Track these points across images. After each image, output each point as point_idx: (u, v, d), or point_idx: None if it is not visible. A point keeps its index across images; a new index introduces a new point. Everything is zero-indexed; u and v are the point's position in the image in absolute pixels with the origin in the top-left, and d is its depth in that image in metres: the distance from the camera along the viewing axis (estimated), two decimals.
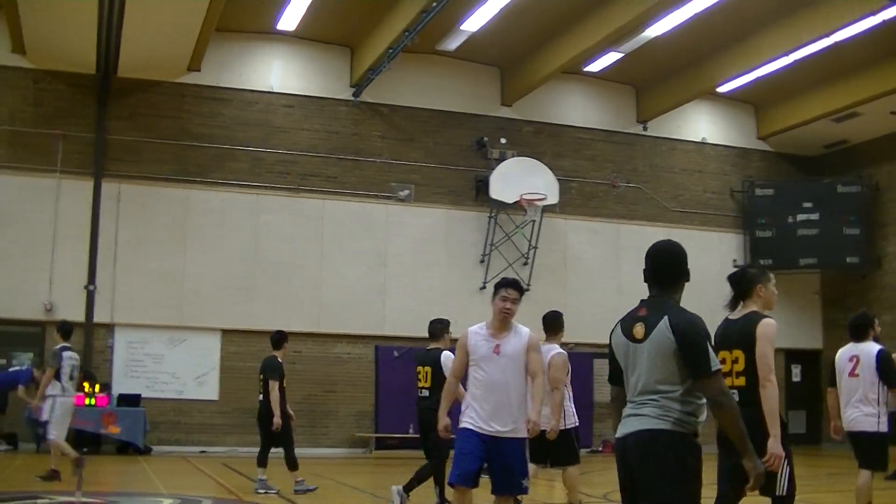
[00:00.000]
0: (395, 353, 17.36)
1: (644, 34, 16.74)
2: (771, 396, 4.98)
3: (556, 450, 8.29)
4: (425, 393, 8.89)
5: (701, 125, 20.88)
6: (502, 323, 5.97)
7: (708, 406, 3.82)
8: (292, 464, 10.47)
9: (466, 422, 5.87)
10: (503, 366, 5.92)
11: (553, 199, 18.15)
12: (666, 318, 3.79)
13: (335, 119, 17.77)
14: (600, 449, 18.47)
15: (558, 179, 18.36)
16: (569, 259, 19.28)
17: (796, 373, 21.18)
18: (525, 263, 18.59)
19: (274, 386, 10.45)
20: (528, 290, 17.83)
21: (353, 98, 17.84)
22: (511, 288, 6.07)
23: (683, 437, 3.78)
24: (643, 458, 3.80)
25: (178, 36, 15.52)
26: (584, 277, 19.22)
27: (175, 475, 12.97)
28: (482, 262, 18.38)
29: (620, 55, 17.97)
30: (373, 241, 17.74)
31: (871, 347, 7.59)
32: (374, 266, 17.66)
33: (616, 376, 4.11)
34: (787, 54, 16.96)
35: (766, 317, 5.27)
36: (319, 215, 17.36)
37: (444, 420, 6.06)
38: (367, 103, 17.96)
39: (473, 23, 16.41)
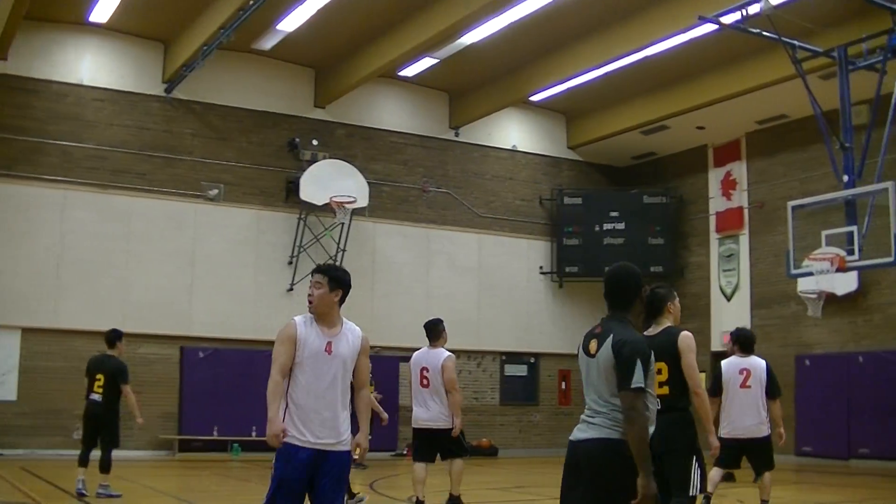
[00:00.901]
0: (201, 354, 23.33)
1: (460, 41, 22.79)
2: (704, 401, 7.78)
3: (449, 445, 12.19)
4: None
5: (512, 133, 28.21)
6: (319, 316, 6.83)
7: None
8: (107, 466, 13.41)
9: (289, 435, 6.55)
10: (335, 368, 6.72)
11: (363, 202, 24.39)
12: (611, 335, 5.56)
13: (147, 115, 23.44)
14: (405, 452, 25.04)
15: (370, 183, 24.76)
16: (378, 263, 25.79)
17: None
18: None
19: (127, 389, 13.70)
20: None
21: (165, 94, 23.56)
22: (318, 273, 6.94)
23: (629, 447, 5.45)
24: (593, 464, 5.54)
25: None
26: (393, 282, 25.76)
27: None
28: (290, 263, 24.53)
29: (435, 61, 24.33)
30: (182, 241, 23.47)
31: (760, 361, 11.52)
32: (182, 266, 23.42)
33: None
34: (599, 67, 23.16)
35: (682, 330, 7.83)
36: (128, 213, 22.90)
37: (278, 425, 6.63)
38: (180, 100, 23.77)
39: (290, 23, 21.98)
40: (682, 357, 7.71)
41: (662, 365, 7.60)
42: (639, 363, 5.47)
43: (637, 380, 5.44)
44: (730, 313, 26.47)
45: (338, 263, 24.23)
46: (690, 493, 7.65)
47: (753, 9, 16.45)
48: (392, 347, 25.27)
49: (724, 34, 19.08)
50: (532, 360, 27.15)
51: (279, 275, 24.53)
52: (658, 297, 7.94)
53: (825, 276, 17.86)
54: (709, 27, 18.87)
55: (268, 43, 23.60)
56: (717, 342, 26.44)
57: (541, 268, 28.02)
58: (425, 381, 12.54)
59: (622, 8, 21.17)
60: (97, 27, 22.89)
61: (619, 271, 5.93)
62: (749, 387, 11.52)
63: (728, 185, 26.86)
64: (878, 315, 22.95)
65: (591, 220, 27.97)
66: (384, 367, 25.11)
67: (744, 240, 26.44)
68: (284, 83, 25.11)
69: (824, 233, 17.95)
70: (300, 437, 6.61)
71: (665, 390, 7.64)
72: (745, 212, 26.40)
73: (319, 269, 7.07)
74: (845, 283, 22.09)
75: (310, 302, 6.91)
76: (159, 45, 23.71)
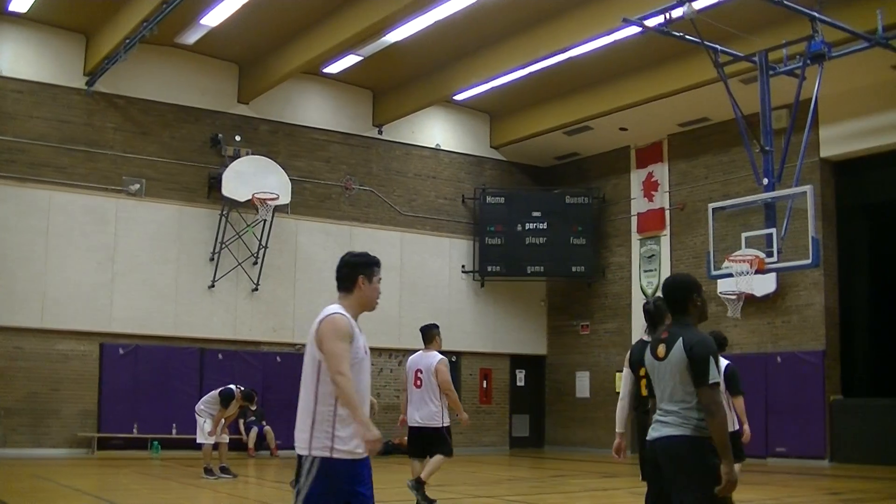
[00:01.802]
0: (121, 351, 23.44)
1: (384, 39, 23.14)
2: None
3: (437, 444, 12.95)
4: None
5: (436, 132, 28.68)
6: (363, 312, 6.46)
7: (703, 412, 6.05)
8: None
9: (357, 445, 5.88)
10: (368, 369, 6.25)
11: (286, 199, 24.65)
12: (681, 338, 6.17)
13: (68, 108, 23.47)
14: None
15: (292, 180, 25.05)
16: (300, 260, 26.06)
17: (521, 378, 29.32)
18: (255, 263, 25.11)
19: None
20: (256, 289, 24.65)
21: (86, 87, 23.59)
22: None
23: (703, 441, 6.05)
24: (671, 459, 6.13)
25: None
26: (314, 279, 25.98)
27: None
28: (212, 260, 24.69)
29: (360, 58, 24.66)
30: (102, 236, 23.54)
31: (723, 362, 12.23)
32: (102, 261, 23.48)
33: (652, 389, 6.62)
34: (523, 67, 23.66)
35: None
36: (47, 207, 22.92)
37: (376, 430, 5.83)
38: (102, 94, 23.83)
39: (214, 17, 22.16)
40: None
41: None
42: (711, 360, 6.06)
43: (713, 376, 6.02)
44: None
45: (259, 260, 24.52)
46: None
47: (677, 12, 16.78)
48: None
49: (647, 37, 19.51)
50: (453, 359, 27.51)
51: (201, 271, 24.71)
52: (661, 309, 8.61)
53: (744, 277, 18.38)
54: (633, 29, 19.20)
55: (191, 37, 23.78)
56: None
57: (463, 267, 28.51)
58: (419, 383, 13.26)
59: (547, 9, 21.66)
60: (17, 17, 22.86)
61: (675, 281, 6.64)
62: None
63: (650, 187, 27.55)
64: (795, 316, 23.74)
65: (513, 219, 28.52)
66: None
67: (665, 241, 27.15)
68: (208, 78, 25.29)
69: (744, 235, 18.43)
70: (358, 448, 5.96)
71: None
72: (667, 213, 27.11)
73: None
74: (764, 285, 22.79)
75: (377, 303, 6.58)
76: (81, 37, 23.75)
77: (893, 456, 21.20)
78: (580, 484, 18.05)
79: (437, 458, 13.23)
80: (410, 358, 13.61)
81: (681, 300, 6.43)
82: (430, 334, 13.54)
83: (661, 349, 6.32)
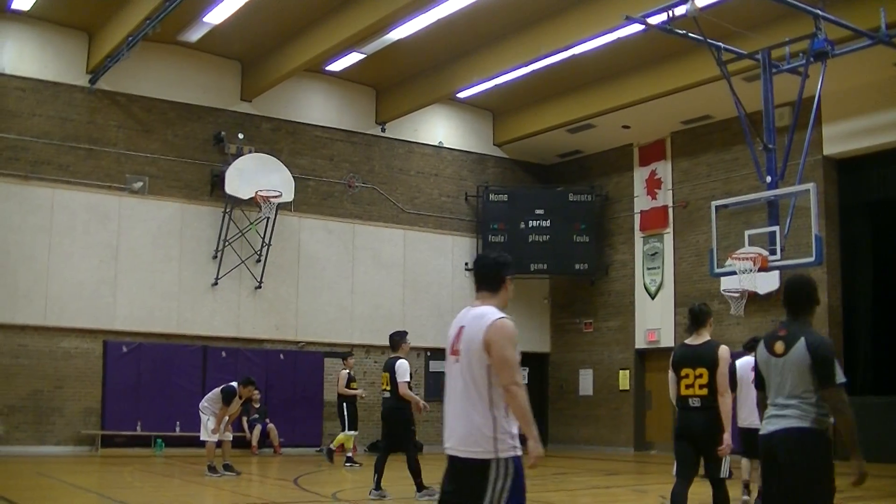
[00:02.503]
0: (124, 349, 23.54)
1: (387, 37, 23.22)
2: (728, 402, 9.31)
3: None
4: (387, 394, 14.53)
5: (439, 129, 28.79)
6: None
7: (830, 412, 6.36)
8: None
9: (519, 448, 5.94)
10: None
11: (288, 196, 24.73)
12: (803, 338, 6.41)
13: (70, 106, 23.58)
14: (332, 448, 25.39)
15: (295, 177, 25.13)
16: (303, 258, 26.17)
17: (524, 375, 29.32)
18: (258, 261, 25.23)
19: None
20: (259, 287, 24.76)
21: (89, 85, 23.71)
22: None
23: (821, 433, 6.36)
24: (790, 450, 6.35)
25: None
26: (317, 276, 26.17)
27: None
28: (215, 257, 24.79)
29: (362, 56, 24.76)
30: (105, 234, 23.64)
31: None
32: (105, 259, 23.59)
33: (761, 383, 6.84)
34: (526, 64, 23.73)
35: (721, 344, 9.44)
36: (49, 204, 23.03)
37: (541, 448, 5.97)
38: (105, 91, 23.94)
39: (216, 15, 22.28)
40: (719, 365, 9.32)
41: (703, 370, 9.32)
42: (835, 361, 6.37)
43: (839, 376, 6.34)
44: (653, 311, 27.25)
45: (262, 258, 24.64)
46: (722, 476, 9.43)
47: (680, 10, 16.92)
48: (316, 343, 25.78)
49: (650, 35, 19.64)
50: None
51: (204, 269, 24.81)
52: (703, 312, 9.60)
53: (747, 275, 18.46)
54: (635, 27, 19.44)
55: (194, 35, 23.89)
56: (642, 340, 27.24)
57: (465, 264, 28.56)
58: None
59: (550, 6, 21.78)
60: (19, 14, 22.98)
61: (797, 281, 6.83)
62: None
63: (653, 184, 27.64)
64: None
65: (516, 217, 28.62)
66: (309, 362, 25.62)
67: (668, 238, 27.23)
68: (210, 76, 25.41)
69: (747, 232, 18.56)
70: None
71: (705, 392, 9.33)
72: (670, 211, 27.20)
73: None
74: (767, 283, 22.82)
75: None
76: (83, 35, 23.86)
77: (894, 454, 21.24)
78: (582, 482, 18.15)
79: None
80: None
81: (804, 300, 6.69)
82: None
83: (780, 346, 6.55)
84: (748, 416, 12.99)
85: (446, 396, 6.12)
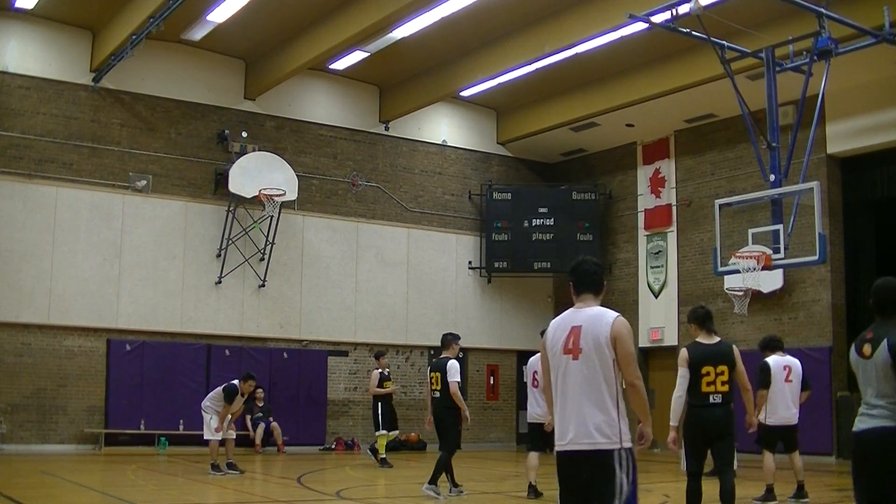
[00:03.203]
0: (128, 347, 23.61)
1: (391, 35, 23.30)
2: (751, 397, 10.64)
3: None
4: (437, 395, 14.85)
5: (442, 127, 28.84)
6: None
7: None
8: None
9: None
10: None
11: (292, 195, 24.82)
12: (886, 339, 6.51)
13: (74, 104, 23.65)
14: (333, 447, 25.50)
15: (299, 176, 25.22)
16: (306, 256, 26.23)
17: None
18: (261, 259, 25.30)
19: None
20: (263, 286, 24.81)
21: (93, 83, 23.76)
22: None
23: None
24: (878, 449, 6.49)
25: None
26: (321, 275, 26.24)
27: None
28: (219, 256, 24.87)
29: (366, 54, 24.81)
30: (109, 232, 23.71)
31: (796, 360, 14.28)
32: (109, 257, 23.66)
33: (855, 383, 7.05)
34: (529, 63, 23.81)
35: (734, 342, 10.71)
36: (53, 203, 23.10)
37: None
38: (108, 90, 24.01)
39: (220, 13, 22.32)
40: (737, 364, 10.23)
41: (724, 368, 10.10)
42: None
43: None
44: (657, 310, 27.29)
45: (266, 257, 24.68)
46: (734, 468, 10.34)
47: (683, 8, 16.94)
48: (320, 341, 25.88)
49: (653, 33, 19.68)
50: (460, 355, 27.55)
51: (207, 267, 24.88)
52: (711, 313, 10.59)
53: (751, 273, 18.48)
54: (639, 25, 19.46)
55: (197, 33, 23.96)
56: (645, 338, 27.23)
57: (469, 262, 28.65)
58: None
59: (553, 5, 21.83)
60: (23, 13, 23.05)
61: (883, 285, 6.83)
62: (791, 381, 14.10)
63: (656, 183, 27.68)
64: (802, 312, 23.86)
65: (519, 215, 28.64)
66: (311, 361, 25.68)
67: (671, 237, 27.27)
68: (214, 74, 25.46)
69: (751, 231, 18.61)
70: None
71: (726, 388, 10.12)
72: (673, 209, 27.24)
73: None
74: (771, 281, 22.91)
75: None
76: (87, 33, 23.92)
77: None
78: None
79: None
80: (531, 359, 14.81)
81: (892, 302, 6.74)
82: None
83: (867, 348, 6.66)
84: (778, 412, 13.94)
85: (563, 395, 6.41)
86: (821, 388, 22.86)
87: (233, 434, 18.61)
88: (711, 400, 10.02)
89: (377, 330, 26.61)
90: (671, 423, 10.23)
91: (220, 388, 18.12)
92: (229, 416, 18.03)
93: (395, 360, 26.86)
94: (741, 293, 22.67)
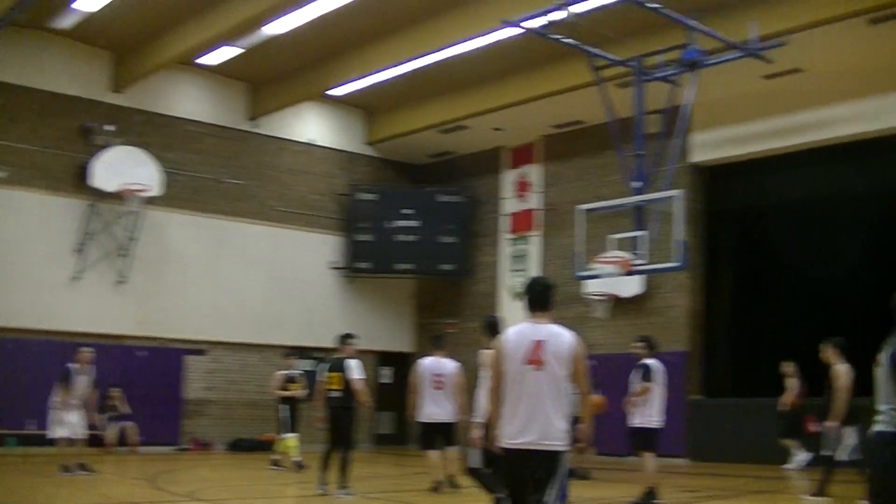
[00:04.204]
0: None
1: (262, 31, 23.13)
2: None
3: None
4: (336, 394, 14.89)
5: (311, 126, 28.88)
6: None
7: None
8: None
9: None
10: None
11: (157, 190, 24.63)
12: (892, 348, 6.76)
13: None
14: (187, 447, 25.26)
15: (165, 171, 24.97)
16: (170, 253, 25.95)
17: (387, 375, 29.62)
18: (123, 255, 24.96)
19: None
20: (123, 282, 24.47)
21: None
22: None
23: None
24: (876, 452, 6.83)
25: None
26: (184, 272, 25.99)
27: None
28: (78, 251, 24.42)
29: (237, 51, 24.57)
30: None
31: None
32: None
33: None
34: (400, 64, 23.88)
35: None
36: None
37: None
38: None
39: (89, 2, 21.94)
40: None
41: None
42: None
43: None
44: (517, 312, 27.54)
45: (128, 253, 24.34)
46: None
47: (556, 16, 17.35)
48: (180, 340, 25.58)
49: (526, 39, 19.98)
50: (321, 356, 27.58)
51: (65, 262, 24.40)
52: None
53: (612, 278, 18.95)
54: (512, 31, 19.63)
55: (64, 22, 23.45)
56: None
57: (332, 263, 28.72)
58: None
59: (427, 7, 21.97)
60: None
61: None
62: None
63: (522, 187, 28.21)
64: (660, 318, 24.59)
65: (384, 216, 28.88)
66: (170, 359, 25.38)
67: (535, 241, 27.84)
68: (81, 65, 24.89)
69: (613, 237, 19.06)
70: None
71: None
72: (538, 214, 27.75)
73: None
74: (630, 287, 23.55)
75: None
76: None
77: (748, 454, 22.06)
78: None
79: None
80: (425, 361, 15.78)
81: None
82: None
83: (880, 357, 6.91)
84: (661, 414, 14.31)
85: (519, 399, 7.27)
86: (675, 391, 23.60)
87: (85, 433, 18.34)
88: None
89: (237, 329, 26.47)
90: (478, 421, 10.80)
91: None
92: (82, 411, 17.87)
93: (253, 360, 26.78)
94: (602, 298, 23.24)
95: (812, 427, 15.72)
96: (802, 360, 24.86)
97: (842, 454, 14.34)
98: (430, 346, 16.46)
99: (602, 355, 25.03)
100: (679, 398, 22.69)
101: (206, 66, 26.11)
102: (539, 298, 7.64)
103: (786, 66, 21.19)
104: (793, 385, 21.26)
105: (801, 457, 20.50)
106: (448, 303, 29.92)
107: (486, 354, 10.59)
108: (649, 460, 14.12)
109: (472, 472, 11.64)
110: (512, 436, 7.24)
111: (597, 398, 9.51)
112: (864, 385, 13.94)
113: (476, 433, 10.58)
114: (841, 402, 14.02)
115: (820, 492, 14.26)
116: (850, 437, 14.29)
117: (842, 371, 14.21)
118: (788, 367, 21.41)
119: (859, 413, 14.45)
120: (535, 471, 7.19)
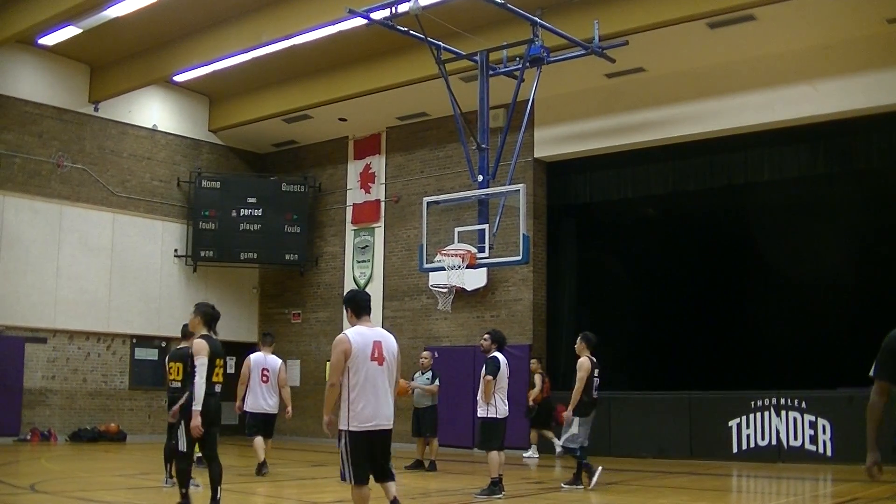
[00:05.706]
0: None
1: (105, 13, 22.63)
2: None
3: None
4: (177, 384, 14.34)
5: (154, 112, 28.61)
6: None
7: None
8: None
9: None
10: None
11: None
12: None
13: None
14: (28, 437, 24.81)
15: (0, 154, 24.45)
16: (5, 238, 25.36)
17: (230, 364, 29.39)
18: None
19: None
20: None
21: None
22: None
23: None
24: None
25: None
26: (21, 258, 25.44)
27: None
28: None
29: (78, 31, 24.06)
30: None
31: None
32: None
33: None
34: (245, 51, 23.82)
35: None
36: None
37: None
38: None
39: None
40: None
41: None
42: (880, 355, 7.03)
43: (873, 369, 7.07)
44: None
45: None
46: None
47: (403, 7, 17.49)
48: (18, 328, 25.06)
49: (372, 29, 19.95)
50: (163, 344, 27.40)
51: None
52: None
53: (455, 271, 19.24)
54: (358, 21, 19.57)
55: None
56: None
57: (175, 251, 28.51)
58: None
59: None
60: None
61: None
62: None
63: (367, 178, 28.46)
64: (504, 311, 25.10)
65: (228, 204, 28.80)
66: (9, 347, 24.86)
67: (379, 232, 28.11)
68: None
69: (457, 229, 19.26)
70: None
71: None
72: (382, 205, 28.08)
73: None
74: (475, 280, 23.90)
75: None
76: None
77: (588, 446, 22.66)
78: (288, 473, 18.30)
79: None
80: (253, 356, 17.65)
81: None
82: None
83: None
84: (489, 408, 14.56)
85: (370, 389, 8.95)
86: (520, 385, 24.06)
87: None
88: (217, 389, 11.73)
89: (78, 317, 26.07)
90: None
91: None
92: None
93: (96, 349, 26.44)
94: (445, 290, 23.52)
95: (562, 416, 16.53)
96: (641, 350, 25.86)
97: (570, 443, 15.42)
98: (259, 342, 17.00)
99: (446, 347, 25.59)
100: (524, 391, 23.17)
101: (46, 46, 25.53)
102: (367, 306, 9.32)
103: (628, 65, 21.93)
104: (538, 382, 22.90)
105: (533, 449, 22.91)
106: (293, 293, 30.02)
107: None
108: (494, 453, 14.32)
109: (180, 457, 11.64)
110: (366, 420, 8.90)
111: (402, 382, 11.70)
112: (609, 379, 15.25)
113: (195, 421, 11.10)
114: (578, 392, 15.31)
115: (575, 480, 15.49)
116: (576, 426, 15.33)
117: (583, 364, 15.54)
118: (535, 365, 23.10)
119: (596, 405, 15.61)
120: (380, 445, 9.10)
